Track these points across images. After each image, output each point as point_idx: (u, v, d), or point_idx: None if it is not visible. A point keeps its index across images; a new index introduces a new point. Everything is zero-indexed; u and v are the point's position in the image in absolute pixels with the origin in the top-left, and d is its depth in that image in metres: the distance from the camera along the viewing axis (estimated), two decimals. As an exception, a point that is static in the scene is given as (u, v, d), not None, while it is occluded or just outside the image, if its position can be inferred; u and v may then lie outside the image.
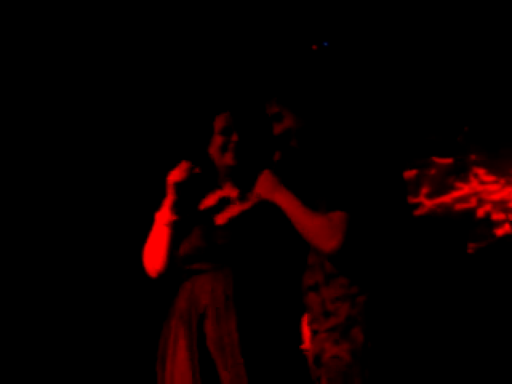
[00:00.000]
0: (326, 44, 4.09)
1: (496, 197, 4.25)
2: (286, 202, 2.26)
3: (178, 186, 2.56)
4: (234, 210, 2.58)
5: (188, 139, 2.79)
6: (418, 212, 4.42)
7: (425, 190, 4.41)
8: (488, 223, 4.24)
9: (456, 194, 4.36)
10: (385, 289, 2.18)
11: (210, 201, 2.67)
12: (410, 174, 4.45)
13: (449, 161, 4.36)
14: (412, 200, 4.44)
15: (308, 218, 2.20)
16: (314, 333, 2.26)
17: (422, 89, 4.24)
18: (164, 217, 2.58)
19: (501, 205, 4.23)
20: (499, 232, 4.21)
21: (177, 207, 2.59)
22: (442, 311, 3.98)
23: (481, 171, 4.31)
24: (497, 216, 4.23)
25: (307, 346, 2.38)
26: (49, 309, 4.10)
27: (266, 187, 2.34)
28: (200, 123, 2.69)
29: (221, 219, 2.56)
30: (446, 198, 4.37)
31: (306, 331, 2.41)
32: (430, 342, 3.62)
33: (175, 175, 2.57)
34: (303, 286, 2.31)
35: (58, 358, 4.09)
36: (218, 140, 2.63)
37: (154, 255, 2.62)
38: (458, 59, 4.18)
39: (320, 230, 2.13)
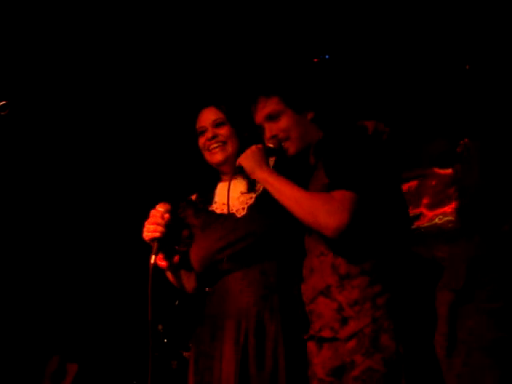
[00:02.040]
0: (327, 57, 4.16)
1: (496, 207, 4.27)
2: (270, 179, 2.17)
3: (159, 240, 2.39)
4: (248, 199, 2.44)
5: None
6: (418, 222, 4.46)
7: (426, 201, 4.44)
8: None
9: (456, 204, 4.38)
10: (404, 287, 2.08)
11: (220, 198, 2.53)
12: (411, 184, 4.49)
13: (449, 171, 4.40)
14: (413, 210, 4.47)
15: (306, 196, 2.10)
16: (321, 341, 2.14)
17: (423, 99, 4.29)
18: (161, 265, 2.47)
19: (501, 215, 4.25)
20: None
21: (167, 251, 2.47)
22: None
23: (481, 182, 4.33)
24: (497, 226, 4.25)
25: None
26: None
27: (249, 161, 2.25)
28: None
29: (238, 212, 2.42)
30: (447, 208, 4.40)
31: None
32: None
33: (150, 231, 2.40)
34: (308, 292, 2.19)
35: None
36: (199, 142, 2.59)
37: (179, 286, 2.60)
38: (457, 71, 4.24)
39: (322, 207, 2.01)
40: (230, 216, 2.42)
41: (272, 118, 2.34)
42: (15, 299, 4.19)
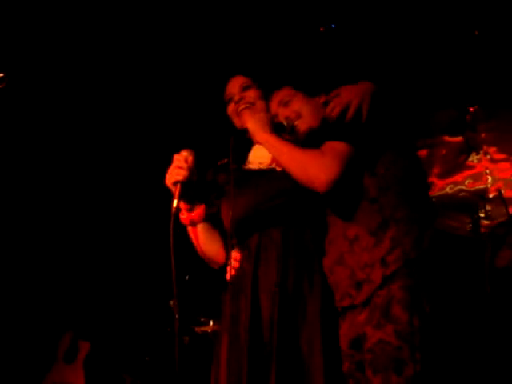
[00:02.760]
0: (333, 26, 4.13)
1: (507, 174, 4.25)
2: (270, 140, 2.18)
3: (182, 184, 2.21)
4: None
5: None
6: (430, 192, 4.43)
7: (436, 170, 4.42)
8: (500, 201, 4.22)
9: (467, 172, 4.36)
10: (415, 249, 2.00)
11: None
12: (420, 153, 4.46)
13: (459, 139, 4.37)
14: (423, 180, 4.45)
15: (300, 151, 2.11)
16: (344, 311, 2.09)
17: (431, 68, 4.25)
18: (186, 219, 2.34)
19: (513, 182, 4.23)
20: (512, 210, 4.20)
21: (190, 201, 2.32)
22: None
23: (491, 149, 4.31)
24: (509, 193, 4.23)
25: None
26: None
27: (252, 124, 2.25)
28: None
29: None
30: (458, 177, 4.38)
31: None
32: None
33: (173, 174, 2.24)
34: (327, 263, 2.15)
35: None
36: (228, 110, 2.55)
37: (208, 255, 2.45)
38: (465, 38, 4.20)
39: (313, 160, 2.04)
40: (271, 170, 2.36)
41: (284, 103, 2.36)
42: (28, 276, 4.20)
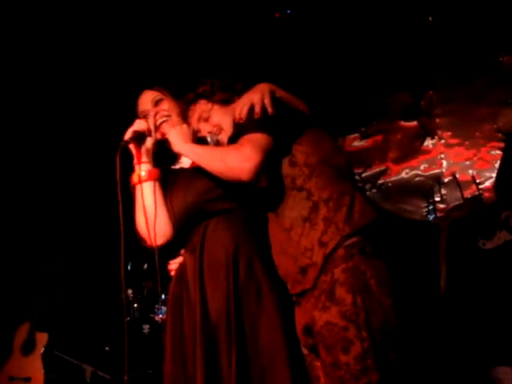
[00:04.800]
0: (288, 11, 4.12)
1: (462, 159, 4.30)
2: (191, 148, 2.21)
3: (139, 135, 2.29)
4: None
5: None
6: (385, 177, 4.47)
7: (392, 155, 4.45)
8: (455, 185, 4.28)
9: (423, 157, 4.40)
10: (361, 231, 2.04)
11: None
12: (376, 138, 4.49)
13: (414, 124, 4.40)
14: (379, 165, 4.48)
15: (219, 150, 2.21)
16: (298, 298, 2.14)
17: (385, 52, 4.27)
18: (149, 174, 2.31)
19: (467, 166, 4.28)
20: (467, 193, 4.25)
21: (152, 156, 2.33)
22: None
23: (446, 134, 4.35)
24: (464, 177, 4.28)
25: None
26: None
27: (173, 137, 2.26)
28: None
29: None
30: (414, 162, 4.41)
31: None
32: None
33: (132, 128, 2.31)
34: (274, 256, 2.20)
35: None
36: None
37: (156, 220, 2.29)
38: (420, 23, 4.23)
39: (234, 153, 2.07)
40: None
41: (204, 119, 2.42)
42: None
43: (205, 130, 2.40)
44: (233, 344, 2.13)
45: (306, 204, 2.12)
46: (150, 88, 2.53)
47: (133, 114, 2.50)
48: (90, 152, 4.37)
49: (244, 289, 2.20)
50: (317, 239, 2.07)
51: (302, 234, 2.10)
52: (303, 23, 4.14)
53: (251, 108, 2.16)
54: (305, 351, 2.16)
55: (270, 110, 2.13)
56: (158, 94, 2.51)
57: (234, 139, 2.21)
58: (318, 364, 2.11)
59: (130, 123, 2.35)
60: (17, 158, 4.41)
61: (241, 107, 2.19)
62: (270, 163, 2.11)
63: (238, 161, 2.05)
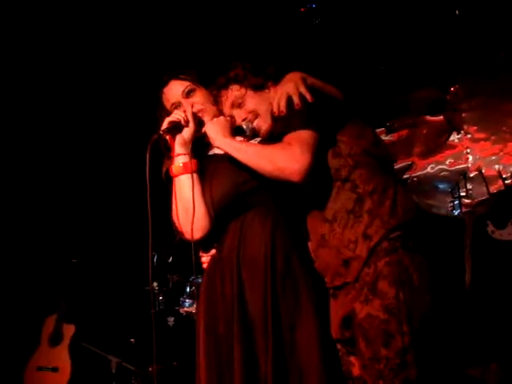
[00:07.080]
0: (313, 6, 4.11)
1: (487, 153, 4.27)
2: (232, 143, 2.14)
3: (175, 125, 2.20)
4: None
5: None
6: (410, 172, 4.45)
7: (417, 150, 4.43)
8: (481, 180, 4.25)
9: (449, 152, 4.38)
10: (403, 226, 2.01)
11: None
12: (401, 133, 4.48)
13: (440, 119, 4.38)
14: (404, 160, 4.47)
15: (265, 148, 2.10)
16: (336, 291, 2.11)
17: (411, 46, 4.25)
18: (186, 166, 2.21)
19: (493, 161, 4.25)
20: (492, 188, 4.22)
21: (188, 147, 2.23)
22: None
23: (472, 129, 4.32)
24: (489, 172, 4.25)
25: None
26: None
27: (212, 130, 2.19)
28: None
29: None
30: (439, 157, 4.40)
31: None
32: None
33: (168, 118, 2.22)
34: (310, 250, 2.17)
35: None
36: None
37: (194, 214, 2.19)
38: (446, 17, 4.20)
39: (282, 153, 2.02)
40: None
41: (237, 105, 2.30)
42: (10, 260, 4.20)
43: (239, 116, 2.28)
44: (269, 343, 2.08)
45: (351, 196, 2.08)
46: (176, 77, 2.36)
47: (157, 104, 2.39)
48: (121, 144, 4.39)
49: (281, 285, 2.14)
50: (361, 232, 2.04)
51: (346, 225, 2.07)
52: (329, 18, 4.12)
53: (289, 99, 2.09)
54: (338, 346, 2.13)
55: (308, 96, 2.07)
56: (188, 84, 2.35)
57: (279, 136, 2.14)
58: (350, 359, 2.10)
59: (156, 114, 2.30)
60: (46, 149, 4.44)
61: (277, 100, 2.12)
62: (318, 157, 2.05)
63: (288, 162, 2.01)
